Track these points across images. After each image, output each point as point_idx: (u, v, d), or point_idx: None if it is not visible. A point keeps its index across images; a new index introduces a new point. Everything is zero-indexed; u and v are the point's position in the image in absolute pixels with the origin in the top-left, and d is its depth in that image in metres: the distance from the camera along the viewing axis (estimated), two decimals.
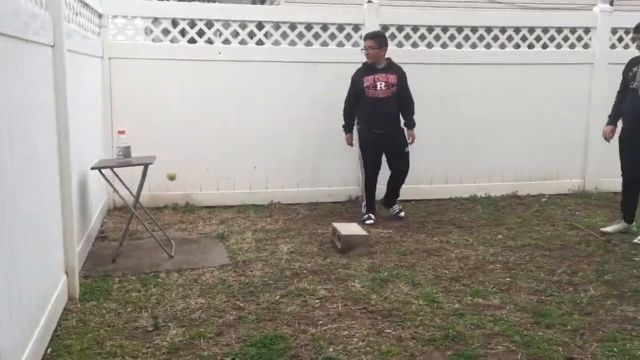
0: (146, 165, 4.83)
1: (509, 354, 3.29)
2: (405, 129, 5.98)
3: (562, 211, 6.44)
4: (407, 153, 6.00)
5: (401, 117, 5.96)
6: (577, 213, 6.35)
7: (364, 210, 6.05)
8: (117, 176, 5.13)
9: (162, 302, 3.92)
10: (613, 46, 7.17)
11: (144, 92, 6.20)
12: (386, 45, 5.90)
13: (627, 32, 7.14)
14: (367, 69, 5.89)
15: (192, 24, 6.32)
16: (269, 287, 4.21)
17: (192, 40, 6.36)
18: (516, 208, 6.57)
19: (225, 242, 5.24)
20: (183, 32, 6.36)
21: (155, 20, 6.31)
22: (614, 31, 7.13)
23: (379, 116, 5.84)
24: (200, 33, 6.37)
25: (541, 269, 4.61)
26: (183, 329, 3.53)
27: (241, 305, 3.90)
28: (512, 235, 5.52)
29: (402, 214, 6.11)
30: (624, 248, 5.13)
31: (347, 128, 6.07)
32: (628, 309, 3.86)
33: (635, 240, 5.25)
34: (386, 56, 5.90)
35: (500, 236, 5.49)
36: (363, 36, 6.11)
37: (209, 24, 6.37)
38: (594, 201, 6.85)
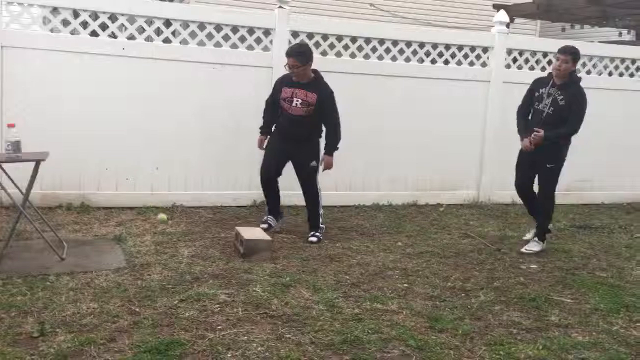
0: (38, 162, 4.54)
1: (403, 357, 3.38)
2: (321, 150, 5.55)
3: (457, 220, 6.73)
4: (311, 174, 5.51)
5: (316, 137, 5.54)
6: (471, 222, 6.67)
7: None
8: (5, 172, 4.80)
9: (50, 307, 3.70)
10: (508, 66, 7.61)
11: (39, 85, 5.86)
12: (311, 60, 5.34)
13: (520, 53, 7.61)
14: (291, 79, 5.39)
15: (95, 16, 6.05)
16: (167, 291, 4.09)
17: (94, 34, 6.09)
18: (416, 217, 6.80)
19: (122, 244, 5.04)
20: (85, 25, 6.06)
21: (54, 10, 5.99)
22: (509, 52, 7.57)
23: (288, 133, 5.47)
24: (104, 26, 6.11)
25: (436, 276, 4.78)
26: (72, 335, 3.35)
27: (137, 310, 3.76)
28: (411, 242, 5.71)
29: (313, 239, 5.49)
30: (512, 256, 5.43)
31: (262, 129, 5.63)
32: (514, 314, 4.08)
33: (523, 250, 5.57)
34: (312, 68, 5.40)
35: (399, 243, 5.65)
36: (285, 52, 5.41)
37: (113, 17, 6.13)
38: (487, 212, 7.22)
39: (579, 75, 5.65)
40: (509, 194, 7.64)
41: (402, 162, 7.24)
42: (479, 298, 4.34)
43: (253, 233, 5.12)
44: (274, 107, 5.57)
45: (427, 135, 7.29)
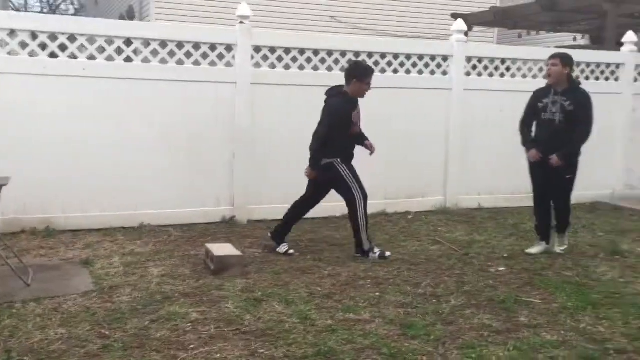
0: None
1: None
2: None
3: (426, 227, 6.80)
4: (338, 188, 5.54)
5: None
6: (439, 229, 6.75)
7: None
8: None
9: (16, 335, 3.61)
10: (468, 73, 7.76)
11: None
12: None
13: (479, 60, 7.77)
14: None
15: (54, 37, 5.98)
16: (137, 312, 4.03)
17: (53, 55, 6.01)
18: (385, 225, 6.85)
19: (90, 267, 4.95)
20: (44, 47, 5.98)
21: (12, 33, 5.90)
22: (469, 59, 7.72)
23: None
24: (63, 47, 6.04)
25: (408, 283, 4.82)
26: None
27: (107, 333, 3.70)
28: None
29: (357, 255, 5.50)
30: (481, 260, 5.52)
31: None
32: (485, 317, 4.14)
33: (558, 250, 5.76)
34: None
35: None
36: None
37: (72, 38, 6.06)
38: (454, 217, 7.31)
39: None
40: (475, 198, 7.80)
41: (371, 172, 7.27)
42: (450, 303, 4.39)
43: (223, 249, 5.10)
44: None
45: (393, 144, 7.36)
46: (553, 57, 5.53)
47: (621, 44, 8.75)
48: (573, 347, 3.69)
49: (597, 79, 8.38)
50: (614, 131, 8.47)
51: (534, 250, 5.78)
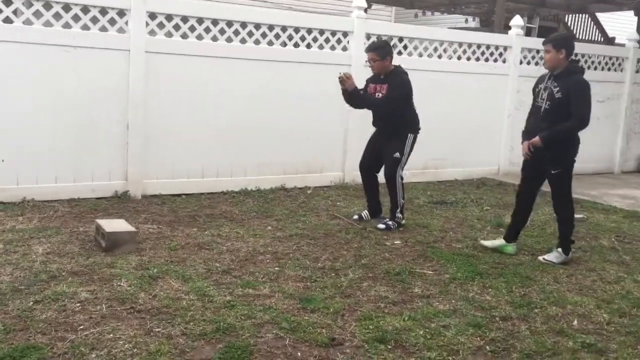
0: None
1: (277, 340, 3.39)
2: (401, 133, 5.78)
3: (325, 202, 6.87)
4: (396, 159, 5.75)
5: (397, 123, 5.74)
6: (337, 204, 6.84)
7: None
8: None
9: None
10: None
11: None
12: (390, 55, 5.79)
13: (378, 37, 7.88)
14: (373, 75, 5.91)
15: None
16: (20, 293, 3.76)
17: None
18: (284, 200, 6.84)
19: None
20: None
21: None
22: (368, 36, 7.80)
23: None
24: None
25: (307, 257, 4.85)
26: None
27: None
28: (280, 226, 5.73)
29: (381, 226, 5.82)
30: (377, 234, 5.65)
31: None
32: (381, 289, 4.25)
33: (541, 259, 5.07)
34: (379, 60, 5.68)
35: (269, 227, 5.65)
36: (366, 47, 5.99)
37: None
38: (352, 192, 7.44)
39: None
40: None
41: (269, 147, 7.22)
42: (348, 276, 4.46)
43: (115, 225, 4.86)
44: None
45: (293, 120, 7.33)
46: (545, 42, 4.98)
47: (509, 27, 9.22)
48: (463, 315, 3.88)
49: (486, 60, 8.78)
50: (501, 111, 8.94)
51: (488, 243, 5.37)
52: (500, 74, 8.91)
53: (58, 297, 3.73)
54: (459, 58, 8.58)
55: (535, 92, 5.08)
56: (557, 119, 4.83)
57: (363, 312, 3.83)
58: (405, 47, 8.11)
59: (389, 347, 3.40)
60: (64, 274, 4.14)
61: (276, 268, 4.55)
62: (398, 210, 5.86)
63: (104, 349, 3.15)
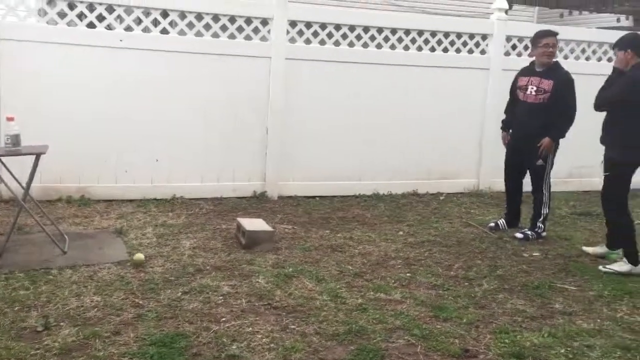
0: (38, 155, 4.51)
1: (408, 347, 3.38)
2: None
3: (458, 209, 6.72)
4: (541, 167, 5.50)
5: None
6: (471, 211, 6.65)
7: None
8: (5, 166, 4.77)
9: (53, 301, 3.69)
10: (507, 53, 7.56)
11: (35, 78, 5.81)
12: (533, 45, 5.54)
13: (520, 40, 7.57)
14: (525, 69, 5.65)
15: (91, 7, 5.98)
16: (170, 283, 4.08)
17: (91, 25, 6.03)
18: (416, 206, 6.78)
19: (124, 237, 5.02)
20: (81, 16, 5.98)
21: (51, 2, 5.92)
22: (509, 39, 7.52)
23: (518, 123, 5.63)
24: (100, 18, 6.04)
25: (439, 265, 4.78)
26: (76, 329, 3.34)
27: (140, 302, 3.75)
28: (412, 232, 5.69)
29: (519, 235, 5.60)
30: (514, 245, 5.43)
31: (503, 126, 5.89)
32: (518, 302, 4.08)
33: (602, 268, 4.83)
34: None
35: (401, 233, 5.64)
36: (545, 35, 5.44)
37: (110, 8, 6.06)
38: (487, 200, 7.20)
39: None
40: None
41: (402, 151, 7.20)
42: (482, 287, 4.34)
43: (254, 224, 5.11)
44: (512, 103, 5.79)
45: (427, 124, 7.25)
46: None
47: None
48: (609, 336, 3.62)
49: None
50: None
51: (590, 249, 5.28)
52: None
53: (203, 289, 4.00)
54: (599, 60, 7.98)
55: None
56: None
57: (498, 325, 3.70)
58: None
59: None
60: (208, 267, 4.42)
61: (407, 274, 4.53)
62: (540, 219, 5.59)
63: (243, 341, 3.32)
